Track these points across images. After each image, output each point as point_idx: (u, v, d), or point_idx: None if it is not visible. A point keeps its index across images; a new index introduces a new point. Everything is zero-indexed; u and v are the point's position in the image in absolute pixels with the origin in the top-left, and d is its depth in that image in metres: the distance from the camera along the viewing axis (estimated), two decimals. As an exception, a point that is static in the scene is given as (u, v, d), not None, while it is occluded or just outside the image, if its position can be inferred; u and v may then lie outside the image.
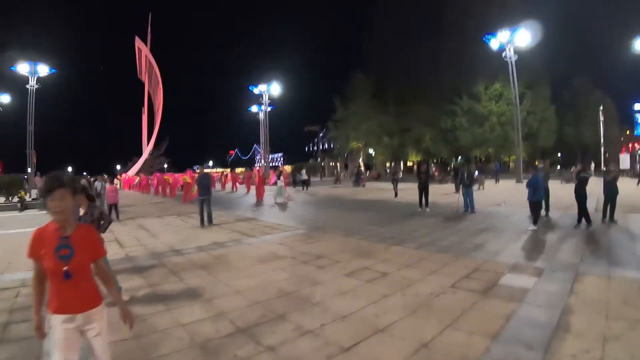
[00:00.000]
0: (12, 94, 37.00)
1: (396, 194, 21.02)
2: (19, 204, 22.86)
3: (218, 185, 36.77)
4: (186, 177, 22.96)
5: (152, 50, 63.71)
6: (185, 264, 7.66)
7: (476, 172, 22.19)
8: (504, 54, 34.08)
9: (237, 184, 34.71)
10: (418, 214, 14.30)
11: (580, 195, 10.49)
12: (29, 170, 34.81)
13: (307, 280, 6.21)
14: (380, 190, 27.73)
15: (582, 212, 10.40)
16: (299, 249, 8.65)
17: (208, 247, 9.23)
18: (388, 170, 60.17)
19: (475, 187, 14.64)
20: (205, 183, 13.00)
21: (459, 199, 14.95)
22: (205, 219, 12.88)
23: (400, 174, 23.43)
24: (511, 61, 33.45)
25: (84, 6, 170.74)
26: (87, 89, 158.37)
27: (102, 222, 5.64)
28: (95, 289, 2.53)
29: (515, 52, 33.44)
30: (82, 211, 5.56)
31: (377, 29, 64.33)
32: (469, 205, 14.12)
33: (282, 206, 18.47)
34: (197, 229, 12.38)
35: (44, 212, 21.00)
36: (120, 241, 10.55)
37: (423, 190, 15.22)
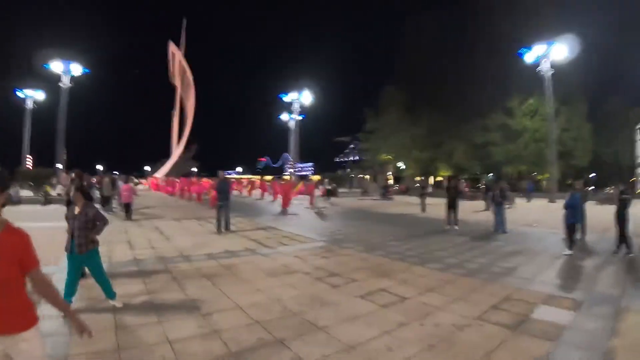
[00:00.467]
0: (48, 92, 37.85)
1: (423, 209, 20.25)
2: (42, 198, 23.21)
3: (244, 192, 36.73)
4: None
5: (185, 55, 64.69)
6: (191, 272, 7.24)
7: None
8: (539, 69, 32.90)
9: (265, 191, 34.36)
10: (445, 231, 13.54)
11: (621, 219, 9.55)
12: (59, 166, 35.47)
13: (316, 300, 5.64)
14: (408, 204, 26.92)
15: (623, 236, 9.44)
16: (314, 263, 8.10)
17: (219, 255, 8.78)
18: (417, 184, 59.20)
19: (506, 205, 13.76)
20: (224, 189, 12.65)
21: (491, 217, 14.14)
22: (223, 225, 12.48)
23: (429, 189, 22.56)
24: (547, 75, 32.22)
25: (119, 9, 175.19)
26: (120, 90, 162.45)
27: (97, 222, 5.25)
28: (24, 307, 2.07)
29: (552, 66, 32.19)
30: (77, 210, 5.20)
31: (410, 42, 63.53)
32: (499, 224, 13.31)
33: (306, 216, 18.01)
34: (212, 234, 12.00)
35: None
36: (132, 242, 10.33)
37: (452, 206, 14.47)
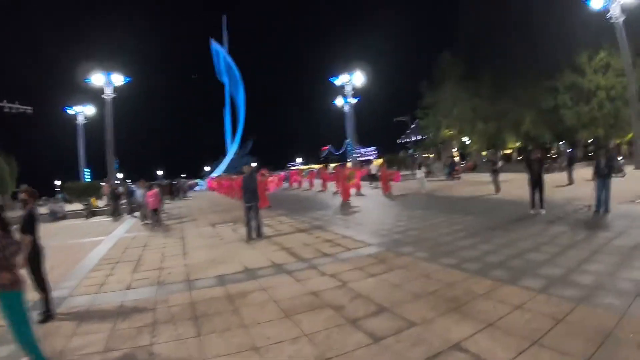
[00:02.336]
0: (99, 104, 37.85)
1: (497, 189, 17.22)
2: (85, 212, 22.83)
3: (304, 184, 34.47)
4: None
5: (229, 51, 63.80)
6: (182, 310, 5.31)
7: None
8: (608, 15, 28.07)
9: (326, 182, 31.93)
10: (531, 217, 10.69)
11: None
12: (114, 178, 35.39)
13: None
14: (478, 183, 23.71)
15: None
16: (356, 287, 5.75)
17: (232, 278, 6.77)
18: (484, 160, 54.70)
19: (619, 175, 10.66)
20: (251, 186, 10.46)
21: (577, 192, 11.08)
22: (254, 230, 10.42)
23: (500, 164, 19.33)
24: (618, 22, 27.37)
25: (158, 12, 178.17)
26: (170, 94, 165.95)
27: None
28: None
29: (623, 10, 27.25)
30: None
31: (467, 3, 58.61)
32: (602, 202, 10.31)
33: (368, 208, 15.70)
34: (241, 243, 10.03)
35: (110, 218, 20.46)
36: (142, 260, 8.98)
37: (536, 185, 11.52)
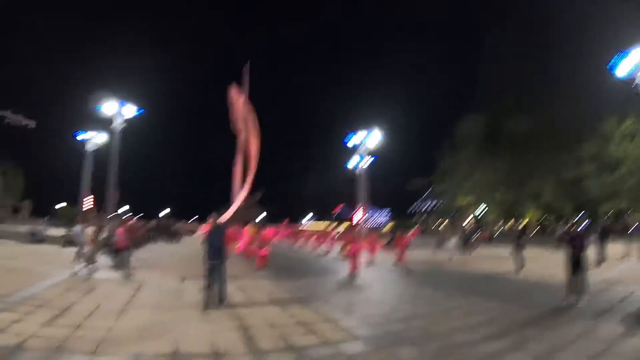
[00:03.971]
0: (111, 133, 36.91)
1: (520, 267, 14.75)
2: (62, 240, 22.15)
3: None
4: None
5: (249, 98, 63.22)
6: None
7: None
8: (634, 84, 26.23)
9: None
10: (568, 309, 8.36)
11: None
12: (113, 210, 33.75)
13: None
14: (494, 258, 21.19)
15: None
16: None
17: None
18: (500, 231, 51.97)
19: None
20: (218, 242, 8.33)
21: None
22: (216, 295, 8.20)
23: (525, 237, 16.80)
24: None
25: (176, 50, 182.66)
26: (185, 134, 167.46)
27: None
28: None
29: None
30: None
31: (488, 65, 57.62)
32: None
33: (373, 282, 13.30)
34: (193, 311, 7.84)
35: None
36: (70, 309, 7.62)
37: (576, 267, 9.17)
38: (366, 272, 14.85)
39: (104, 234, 16.92)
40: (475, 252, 25.35)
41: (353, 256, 15.07)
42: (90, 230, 13.10)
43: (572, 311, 8.16)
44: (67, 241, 21.23)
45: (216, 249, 8.25)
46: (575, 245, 9.27)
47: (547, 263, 18.03)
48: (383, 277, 13.93)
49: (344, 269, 15.76)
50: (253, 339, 6.01)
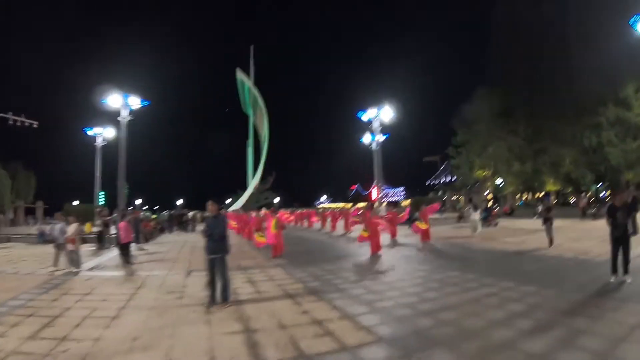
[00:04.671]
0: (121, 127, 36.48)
1: (551, 241, 13.76)
2: None
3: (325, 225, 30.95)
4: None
5: (256, 81, 62.27)
6: None
7: None
8: None
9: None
10: (616, 290, 7.47)
11: None
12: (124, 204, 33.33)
13: None
14: (520, 232, 20.15)
15: None
16: None
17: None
18: (520, 204, 50.57)
19: None
20: (217, 232, 7.46)
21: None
22: (219, 292, 7.37)
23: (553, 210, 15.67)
24: None
25: (186, 40, 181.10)
26: (195, 123, 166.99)
27: None
28: None
29: None
30: None
31: (501, 35, 55.63)
32: None
33: (396, 264, 12.45)
34: (198, 309, 7.16)
35: (93, 248, 18.51)
36: (60, 318, 6.90)
37: (621, 242, 8.17)
38: (388, 254, 13.98)
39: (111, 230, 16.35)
40: (498, 226, 24.35)
41: (374, 237, 14.23)
42: (72, 228, 12.10)
43: (620, 293, 7.20)
44: (46, 240, 20.51)
45: (217, 240, 7.40)
46: (618, 219, 8.24)
47: (575, 235, 17.00)
48: (406, 259, 12.90)
49: (364, 251, 14.93)
50: (258, 346, 5.20)
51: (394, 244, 16.96)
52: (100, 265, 13.55)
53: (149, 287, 9.47)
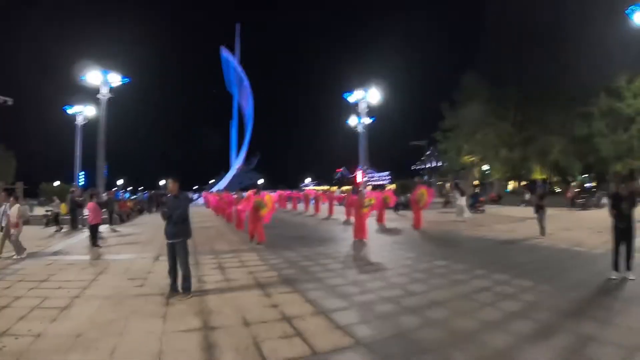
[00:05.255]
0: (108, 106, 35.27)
1: (543, 230, 13.16)
2: (45, 219, 19.97)
3: (308, 208, 30.22)
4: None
5: (241, 61, 60.76)
6: None
7: None
8: None
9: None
10: (619, 287, 6.80)
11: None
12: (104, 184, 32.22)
13: None
14: (508, 219, 19.63)
15: None
16: None
17: None
18: (507, 191, 50.24)
19: None
20: (177, 213, 6.57)
21: None
22: (180, 282, 6.54)
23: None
24: None
25: (173, 18, 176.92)
26: (178, 101, 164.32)
27: None
28: None
29: None
30: None
31: (492, 19, 54.66)
32: None
33: (379, 249, 11.73)
34: (157, 300, 6.36)
35: (65, 230, 17.77)
36: (8, 308, 6.09)
37: (624, 235, 7.48)
38: (373, 240, 13.17)
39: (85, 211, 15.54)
40: (485, 213, 23.85)
41: (358, 224, 13.39)
42: (14, 210, 10.89)
43: (625, 292, 6.53)
44: (53, 220, 19.60)
45: (175, 223, 6.52)
46: (622, 210, 7.55)
47: (565, 225, 16.49)
48: (391, 246, 12.17)
49: (347, 236, 14.19)
50: (214, 348, 4.39)
51: (381, 229, 16.25)
52: (66, 249, 12.56)
53: (112, 272, 8.62)
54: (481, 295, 6.40)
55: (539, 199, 13.59)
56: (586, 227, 15.50)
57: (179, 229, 6.50)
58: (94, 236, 12.40)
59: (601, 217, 18.63)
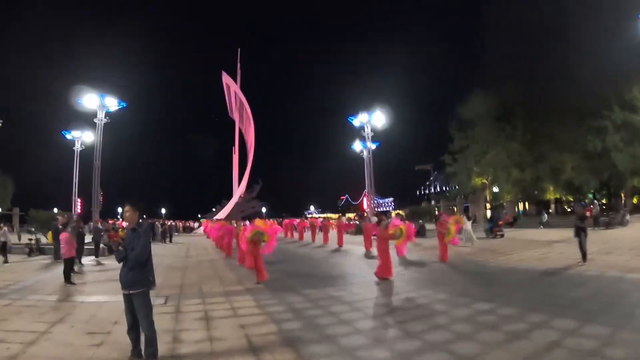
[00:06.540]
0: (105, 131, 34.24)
1: (585, 257, 11.37)
2: (27, 248, 19.56)
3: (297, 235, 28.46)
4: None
5: (242, 86, 59.94)
6: None
7: None
8: None
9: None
10: None
11: None
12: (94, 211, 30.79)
13: None
14: (533, 244, 17.84)
15: None
16: None
17: None
18: (521, 212, 48.52)
19: None
20: (136, 255, 4.80)
21: None
22: (142, 344, 4.82)
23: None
24: None
25: (173, 43, 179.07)
26: (180, 129, 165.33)
27: None
28: None
29: None
30: None
31: (498, 34, 53.51)
32: None
33: (400, 287, 9.98)
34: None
35: (49, 261, 16.87)
36: None
37: None
38: (396, 277, 10.92)
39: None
40: (505, 237, 22.02)
41: (384, 260, 11.17)
42: None
43: None
44: (36, 249, 19.56)
45: (129, 268, 4.80)
46: None
47: (601, 247, 14.78)
48: (420, 284, 10.17)
49: (362, 271, 12.34)
50: None
51: (403, 262, 14.16)
52: (36, 284, 11.03)
53: (72, 321, 6.94)
54: (555, 356, 4.63)
55: (580, 221, 11.79)
56: (627, 249, 13.91)
57: (136, 276, 4.74)
58: (67, 272, 11.04)
59: (634, 236, 16.90)
